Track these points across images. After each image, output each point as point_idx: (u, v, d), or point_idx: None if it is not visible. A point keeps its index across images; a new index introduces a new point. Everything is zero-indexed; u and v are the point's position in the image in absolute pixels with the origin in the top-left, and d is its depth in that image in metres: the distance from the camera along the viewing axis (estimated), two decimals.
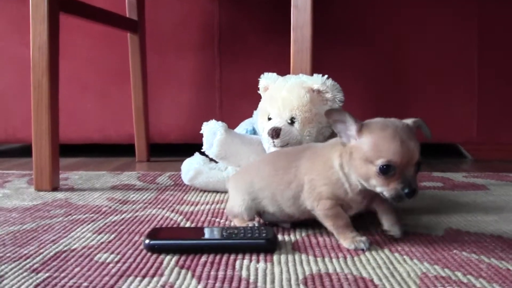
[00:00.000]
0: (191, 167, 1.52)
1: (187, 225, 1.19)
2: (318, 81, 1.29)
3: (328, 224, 1.04)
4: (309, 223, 1.13)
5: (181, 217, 1.25)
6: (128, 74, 2.19)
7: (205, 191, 1.52)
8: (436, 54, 2.30)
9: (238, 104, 2.20)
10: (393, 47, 2.31)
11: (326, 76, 1.31)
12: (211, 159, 1.49)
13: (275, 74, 1.39)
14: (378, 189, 0.95)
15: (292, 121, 1.28)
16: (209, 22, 2.30)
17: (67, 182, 1.70)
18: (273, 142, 1.28)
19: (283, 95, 1.30)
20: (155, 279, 0.83)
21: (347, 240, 1.00)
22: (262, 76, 1.40)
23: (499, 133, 2.34)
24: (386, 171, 0.92)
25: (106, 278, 0.83)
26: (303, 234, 1.09)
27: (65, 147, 2.36)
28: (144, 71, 2.19)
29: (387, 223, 1.06)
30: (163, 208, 1.34)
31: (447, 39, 2.30)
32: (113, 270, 0.87)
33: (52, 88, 1.54)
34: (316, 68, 2.18)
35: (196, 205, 1.38)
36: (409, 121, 1.00)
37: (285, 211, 1.10)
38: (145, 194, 1.52)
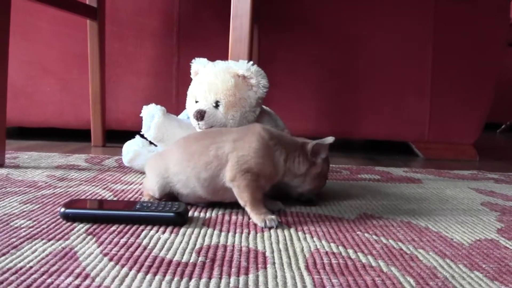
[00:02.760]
0: (130, 149, 1.56)
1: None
2: (243, 67, 1.33)
3: (245, 195, 1.08)
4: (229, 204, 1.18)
5: (110, 193, 1.29)
6: (88, 59, 2.22)
7: (143, 172, 1.56)
8: (391, 52, 2.35)
9: None
10: (348, 43, 2.36)
11: (251, 62, 1.35)
12: (151, 142, 1.52)
13: (205, 59, 1.42)
14: (295, 188, 1.22)
15: (216, 105, 1.32)
16: (169, 10, 2.34)
17: (15, 160, 1.73)
18: (198, 124, 1.32)
19: (210, 80, 1.34)
20: (59, 242, 0.87)
21: (259, 216, 1.05)
22: (193, 60, 1.43)
23: (450, 133, 2.39)
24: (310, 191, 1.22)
25: (13, 239, 0.87)
26: (220, 212, 1.14)
27: (23, 130, 2.40)
28: (102, 57, 2.23)
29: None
30: (97, 186, 1.38)
31: (402, 38, 2.35)
32: (23, 233, 0.91)
33: (1, 69, 1.55)
34: (268, 58, 2.24)
35: (130, 184, 1.42)
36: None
37: (198, 193, 1.14)
38: (86, 174, 1.55)
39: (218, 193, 1.13)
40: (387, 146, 2.67)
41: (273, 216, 1.06)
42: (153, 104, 1.48)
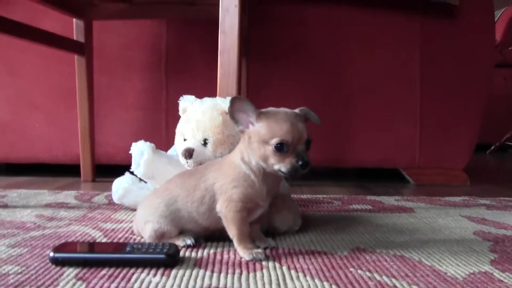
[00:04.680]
0: (120, 186, 1.55)
1: (103, 241, 1.21)
2: None
3: (232, 227, 1.10)
4: (221, 239, 1.17)
5: (100, 233, 1.28)
6: (76, 94, 2.22)
7: (133, 210, 1.54)
8: (380, 80, 2.36)
9: None
10: (337, 72, 2.36)
11: None
12: (141, 179, 1.52)
13: (193, 96, 1.43)
14: (276, 167, 1.07)
15: (205, 142, 1.32)
16: (156, 44, 2.34)
17: (3, 199, 1.72)
18: (187, 162, 1.32)
19: (197, 117, 1.34)
20: None
21: (246, 251, 1.07)
22: (181, 98, 1.43)
23: (440, 158, 2.40)
24: (280, 148, 1.05)
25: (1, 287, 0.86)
26: (211, 251, 1.13)
27: (12, 166, 2.38)
28: (90, 92, 2.22)
29: (279, 220, 1.26)
30: (87, 225, 1.36)
31: (390, 64, 2.36)
32: (11, 281, 0.90)
33: None
34: (259, 92, 2.24)
35: (120, 222, 1.41)
36: (296, 110, 1.13)
37: (203, 224, 1.16)
38: (75, 212, 1.54)
39: (220, 222, 1.13)
40: (378, 173, 2.66)
41: (259, 250, 1.08)
42: (142, 141, 1.47)
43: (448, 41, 2.36)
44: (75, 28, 2.18)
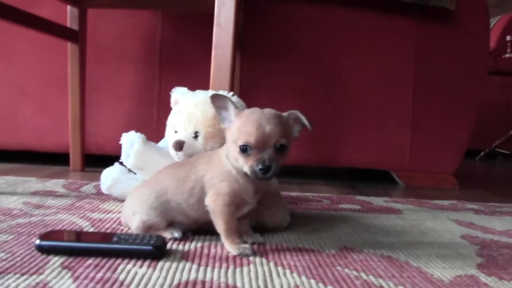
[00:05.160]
0: (109, 176, 1.54)
1: (91, 231, 1.21)
2: None
3: (220, 222, 1.10)
4: (209, 233, 1.17)
5: (87, 223, 1.27)
6: (68, 82, 2.20)
7: (122, 200, 1.53)
8: (372, 81, 2.36)
9: None
10: (330, 73, 2.36)
11: (231, 93, 1.34)
12: (130, 170, 1.51)
13: (185, 88, 1.42)
14: (243, 167, 1.06)
15: (196, 135, 1.32)
16: (151, 36, 2.33)
17: None
18: (177, 154, 1.31)
19: (189, 110, 1.33)
20: (33, 277, 0.85)
21: (233, 245, 1.07)
22: (173, 89, 1.43)
23: (431, 162, 2.40)
24: (243, 150, 1.04)
25: None
26: (198, 244, 1.12)
27: (1, 153, 2.36)
28: (82, 81, 2.21)
29: (268, 216, 1.25)
30: (74, 214, 1.36)
31: (383, 67, 2.36)
32: None
33: None
34: (252, 88, 2.24)
35: (108, 213, 1.40)
36: (285, 113, 1.11)
37: (192, 216, 1.16)
38: (63, 201, 1.53)
39: (209, 215, 1.12)
40: (368, 174, 2.67)
41: (246, 245, 1.08)
42: (133, 132, 1.46)
43: (443, 45, 2.36)
44: (69, 16, 2.16)
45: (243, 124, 1.06)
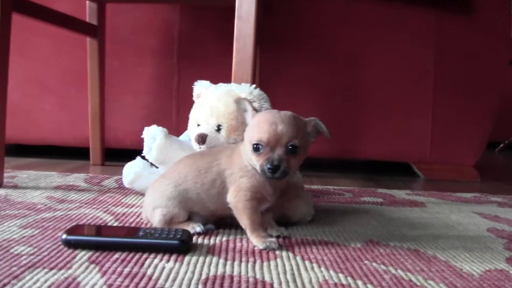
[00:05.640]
0: (131, 170, 1.54)
1: (115, 225, 1.21)
2: (245, 90, 1.32)
3: (244, 217, 1.09)
4: (233, 226, 1.17)
5: (111, 217, 1.27)
6: (87, 77, 2.20)
7: (144, 194, 1.53)
8: (392, 72, 2.34)
9: None
10: (349, 63, 2.34)
11: (254, 85, 1.34)
12: (152, 164, 1.50)
13: (208, 82, 1.42)
14: (256, 166, 1.06)
15: (218, 128, 1.31)
16: (169, 29, 2.32)
17: (14, 180, 1.71)
18: (200, 147, 1.31)
19: (212, 103, 1.33)
20: (62, 271, 0.85)
21: (259, 239, 1.06)
22: (195, 83, 1.42)
23: (451, 154, 2.38)
24: (256, 148, 1.05)
25: (14, 268, 0.85)
26: (224, 238, 1.12)
27: (22, 148, 2.37)
28: (102, 75, 2.21)
29: (292, 209, 1.23)
30: (97, 209, 1.36)
31: (403, 58, 2.34)
32: (24, 262, 0.89)
33: (0, 87, 1.54)
34: (269, 80, 2.23)
35: (131, 207, 1.40)
36: (306, 118, 1.11)
37: (210, 208, 1.15)
38: (86, 195, 1.53)
39: (227, 207, 1.12)
40: (387, 166, 2.65)
41: (273, 239, 1.07)
42: (155, 126, 1.46)
43: (463, 36, 2.34)
44: (88, 10, 2.16)
45: (257, 123, 1.07)
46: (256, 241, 1.06)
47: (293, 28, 2.33)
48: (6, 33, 1.55)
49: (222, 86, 1.38)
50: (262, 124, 1.05)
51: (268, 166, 1.03)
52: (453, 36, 2.33)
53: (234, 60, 1.48)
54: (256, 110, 1.11)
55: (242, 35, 1.48)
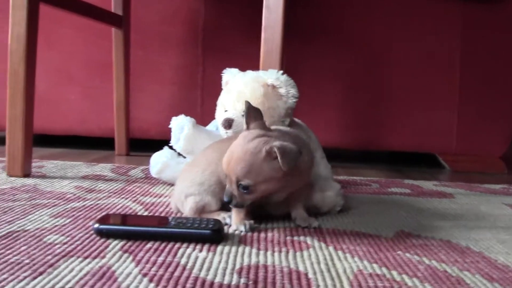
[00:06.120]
0: (159, 160, 1.54)
1: (145, 215, 1.21)
2: (272, 76, 1.31)
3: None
4: (263, 217, 1.16)
5: (141, 207, 1.27)
6: (112, 67, 2.21)
7: (171, 184, 1.53)
8: (418, 63, 2.32)
9: None
10: (375, 54, 2.33)
11: (281, 72, 1.33)
12: (179, 154, 1.50)
13: (236, 69, 1.42)
14: None
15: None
16: (194, 19, 2.32)
17: (41, 170, 1.72)
18: (226, 132, 1.31)
19: (239, 89, 1.33)
20: (96, 260, 0.85)
21: (235, 220, 1.09)
22: (224, 70, 1.42)
23: (477, 145, 2.36)
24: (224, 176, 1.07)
25: (49, 257, 0.85)
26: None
27: (47, 138, 2.38)
28: (127, 65, 2.21)
29: (294, 213, 1.17)
30: (126, 198, 1.36)
31: (429, 49, 2.32)
32: (58, 250, 0.89)
33: (28, 77, 1.55)
34: (295, 69, 2.21)
35: (160, 197, 1.40)
36: (270, 143, 1.03)
37: None
38: (113, 185, 1.53)
39: None
40: (411, 158, 2.63)
41: (249, 221, 1.09)
42: (183, 115, 1.46)
43: (490, 26, 2.31)
44: (113, 1, 2.16)
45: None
46: (232, 222, 1.09)
47: (318, 18, 2.32)
48: (34, 24, 1.56)
49: (249, 73, 1.38)
50: (228, 152, 1.06)
51: (224, 198, 1.06)
52: (479, 27, 2.31)
53: (262, 50, 1.47)
54: (248, 125, 1.09)
55: (270, 25, 1.47)
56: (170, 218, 1.04)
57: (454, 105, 2.32)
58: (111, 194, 1.40)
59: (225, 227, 1.08)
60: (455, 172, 2.32)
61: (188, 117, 1.45)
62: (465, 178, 2.07)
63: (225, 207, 1.15)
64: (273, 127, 1.14)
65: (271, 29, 1.48)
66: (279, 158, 1.00)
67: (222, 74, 1.43)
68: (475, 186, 1.86)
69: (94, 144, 2.51)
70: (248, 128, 1.09)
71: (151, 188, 1.52)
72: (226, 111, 1.35)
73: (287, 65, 2.15)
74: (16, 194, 1.33)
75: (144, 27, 2.32)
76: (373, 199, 1.52)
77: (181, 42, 2.33)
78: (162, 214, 1.22)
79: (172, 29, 2.33)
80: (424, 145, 2.37)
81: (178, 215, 1.20)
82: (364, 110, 2.34)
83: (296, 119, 1.45)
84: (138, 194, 1.42)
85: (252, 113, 1.11)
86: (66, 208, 1.21)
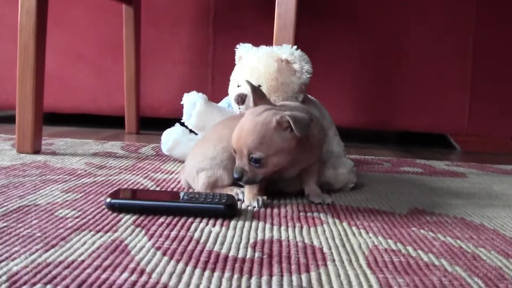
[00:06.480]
0: (170, 137, 1.53)
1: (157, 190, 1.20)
2: (286, 51, 1.30)
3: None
4: (276, 193, 1.16)
5: (152, 183, 1.26)
6: (122, 45, 2.20)
7: (183, 161, 1.52)
8: (430, 43, 2.30)
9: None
10: (387, 34, 2.31)
11: (295, 47, 1.32)
12: (191, 130, 1.49)
13: (249, 44, 1.40)
14: None
15: None
16: None
17: (51, 147, 1.72)
18: (239, 108, 1.29)
19: (252, 64, 1.31)
20: (108, 234, 0.84)
21: (248, 195, 1.08)
22: (237, 46, 1.41)
23: (489, 126, 2.34)
24: (234, 150, 1.06)
25: (61, 230, 0.84)
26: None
27: (57, 116, 2.38)
28: (137, 44, 2.20)
29: (307, 189, 1.16)
30: (137, 175, 1.35)
31: (442, 29, 2.30)
32: (70, 224, 0.88)
33: (38, 52, 1.54)
34: (308, 48, 2.20)
35: (171, 173, 1.40)
36: (278, 115, 1.02)
37: None
38: (124, 162, 1.53)
39: None
40: (422, 138, 2.62)
41: (262, 197, 1.08)
42: (195, 92, 1.45)
43: (503, 9, 2.28)
44: None
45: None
46: (245, 197, 1.09)
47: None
48: (44, 2, 1.54)
49: (263, 48, 1.36)
50: (237, 127, 1.05)
51: (235, 175, 1.04)
52: (493, 7, 2.28)
53: (275, 25, 1.46)
54: (255, 104, 1.08)
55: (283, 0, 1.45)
56: (182, 193, 1.03)
57: (466, 86, 2.30)
58: (122, 170, 1.40)
59: (238, 203, 1.07)
60: (466, 152, 2.31)
61: (200, 94, 1.44)
62: (476, 159, 2.05)
63: (237, 183, 1.14)
64: (279, 103, 1.13)
65: (285, 4, 1.46)
66: (292, 124, 0.99)
67: (235, 49, 1.41)
68: (487, 166, 1.85)
69: (104, 122, 2.51)
70: (255, 105, 1.08)
71: (162, 165, 1.51)
72: (239, 86, 1.33)
73: (300, 43, 2.14)
74: (27, 170, 1.33)
75: (155, 5, 2.31)
76: (385, 178, 1.51)
77: (192, 20, 2.32)
78: (174, 190, 1.21)
79: (184, 7, 2.31)
80: (436, 126, 2.36)
81: (190, 190, 1.20)
82: (376, 90, 2.32)
83: (309, 96, 1.43)
84: (149, 171, 1.41)
85: (258, 92, 1.10)
86: (77, 184, 1.20)
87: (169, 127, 1.56)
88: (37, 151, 1.58)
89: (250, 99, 1.26)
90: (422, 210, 1.13)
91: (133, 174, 1.35)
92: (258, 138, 1.01)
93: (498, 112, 2.32)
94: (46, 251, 0.74)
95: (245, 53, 1.38)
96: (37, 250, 0.75)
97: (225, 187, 1.14)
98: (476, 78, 2.29)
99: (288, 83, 1.29)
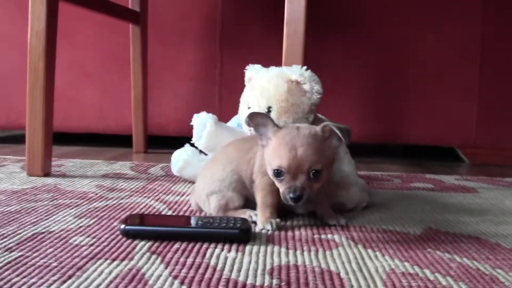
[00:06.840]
0: (180, 158, 1.53)
1: (169, 214, 1.20)
2: (296, 72, 1.30)
3: (259, 197, 1.11)
4: (288, 216, 1.15)
5: (164, 206, 1.26)
6: (129, 64, 2.20)
7: (193, 182, 1.52)
8: (438, 56, 2.30)
9: (237, 99, 2.18)
10: (394, 47, 2.31)
11: (305, 67, 1.32)
12: (201, 151, 1.49)
13: (259, 65, 1.40)
14: (279, 189, 1.03)
15: (269, 110, 1.29)
16: (211, 14, 2.31)
17: (60, 168, 1.72)
18: (250, 130, 1.29)
19: (262, 85, 1.32)
20: (124, 262, 0.84)
21: (261, 218, 1.07)
22: (247, 67, 1.41)
23: (497, 138, 2.33)
24: (277, 175, 1.01)
25: (76, 259, 0.84)
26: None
27: (64, 135, 2.38)
28: (144, 62, 2.20)
29: (320, 210, 1.16)
30: (149, 197, 1.35)
31: (449, 42, 2.29)
32: (85, 253, 0.88)
33: (48, 73, 1.54)
34: (314, 62, 2.20)
35: (182, 195, 1.39)
36: (319, 126, 1.04)
37: (250, 191, 1.15)
38: (134, 183, 1.53)
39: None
40: (430, 151, 2.61)
41: (275, 220, 1.07)
42: (204, 112, 1.45)
43: (509, 21, 2.28)
44: None
45: (277, 145, 1.02)
46: (258, 221, 1.08)
47: (338, 9, 2.29)
48: (54, 20, 1.56)
49: (273, 68, 1.36)
50: (282, 148, 1.00)
51: (291, 196, 0.99)
52: (499, 19, 2.28)
53: (284, 45, 1.46)
54: (277, 126, 1.05)
55: (292, 19, 1.46)
56: (196, 218, 1.03)
57: (474, 98, 2.30)
58: (132, 193, 1.40)
59: (252, 225, 1.07)
60: (474, 165, 2.30)
61: (210, 114, 1.44)
62: (485, 172, 2.05)
63: (248, 205, 1.14)
64: (290, 125, 1.13)
65: (294, 23, 1.46)
66: (338, 132, 1.00)
67: (245, 70, 1.42)
68: (497, 180, 1.84)
69: (111, 141, 2.50)
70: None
71: (172, 186, 1.51)
72: (249, 108, 1.33)
73: (307, 59, 2.14)
74: (38, 194, 1.33)
75: (162, 23, 2.31)
76: (396, 195, 1.50)
77: (198, 38, 2.32)
78: (186, 213, 1.21)
79: (190, 24, 2.32)
80: (444, 139, 2.35)
81: (203, 214, 1.19)
82: (383, 103, 2.32)
83: (319, 115, 1.43)
84: (160, 193, 1.41)
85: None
86: (89, 208, 1.20)
87: (177, 145, 1.56)
88: (47, 173, 1.58)
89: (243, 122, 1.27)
90: (436, 229, 1.13)
91: (144, 197, 1.35)
92: (315, 150, 1.01)
93: (505, 124, 2.31)
94: (64, 282, 0.74)
95: (254, 74, 1.38)
96: (54, 281, 0.74)
97: (237, 210, 1.14)
98: (483, 90, 2.29)
99: (299, 103, 1.29)
